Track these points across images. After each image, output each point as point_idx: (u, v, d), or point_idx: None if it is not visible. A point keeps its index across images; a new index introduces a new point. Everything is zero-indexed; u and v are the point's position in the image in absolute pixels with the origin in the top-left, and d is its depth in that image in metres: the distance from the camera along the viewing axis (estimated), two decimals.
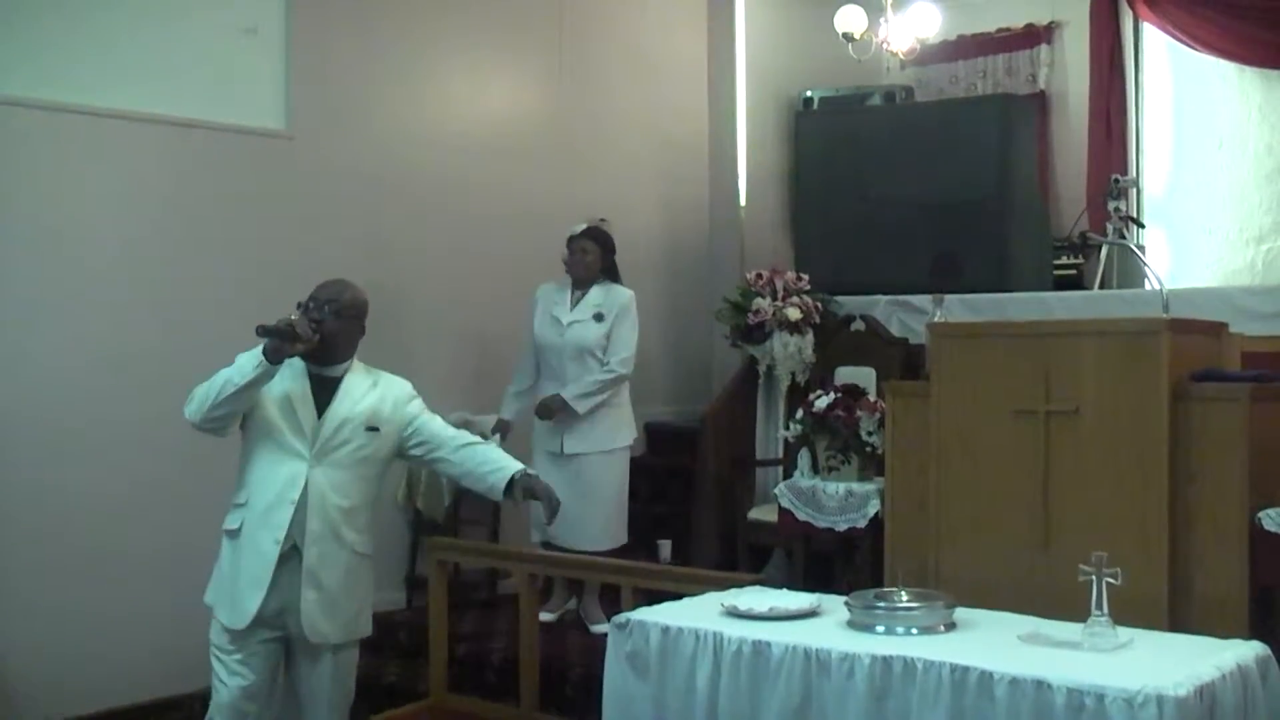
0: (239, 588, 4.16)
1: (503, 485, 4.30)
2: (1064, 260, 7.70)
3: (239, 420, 4.20)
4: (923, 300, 6.53)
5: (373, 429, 4.25)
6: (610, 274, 6.34)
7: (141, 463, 5.71)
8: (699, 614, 4.00)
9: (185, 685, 5.48)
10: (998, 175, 7.13)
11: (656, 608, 4.16)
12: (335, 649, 4.26)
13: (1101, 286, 7.28)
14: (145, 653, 5.61)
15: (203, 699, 4.34)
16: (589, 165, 7.67)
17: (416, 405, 4.37)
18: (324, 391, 4.25)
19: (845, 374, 6.50)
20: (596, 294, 6.27)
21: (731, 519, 6.70)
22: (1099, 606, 3.57)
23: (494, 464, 4.33)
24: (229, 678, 4.17)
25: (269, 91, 6.30)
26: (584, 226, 6.32)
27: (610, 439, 6.26)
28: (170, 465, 5.71)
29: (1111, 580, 3.57)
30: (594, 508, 6.16)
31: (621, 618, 4.05)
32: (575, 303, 6.26)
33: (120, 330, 5.72)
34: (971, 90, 8.72)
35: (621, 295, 6.30)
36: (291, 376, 4.23)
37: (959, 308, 6.18)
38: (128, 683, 5.58)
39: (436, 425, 4.37)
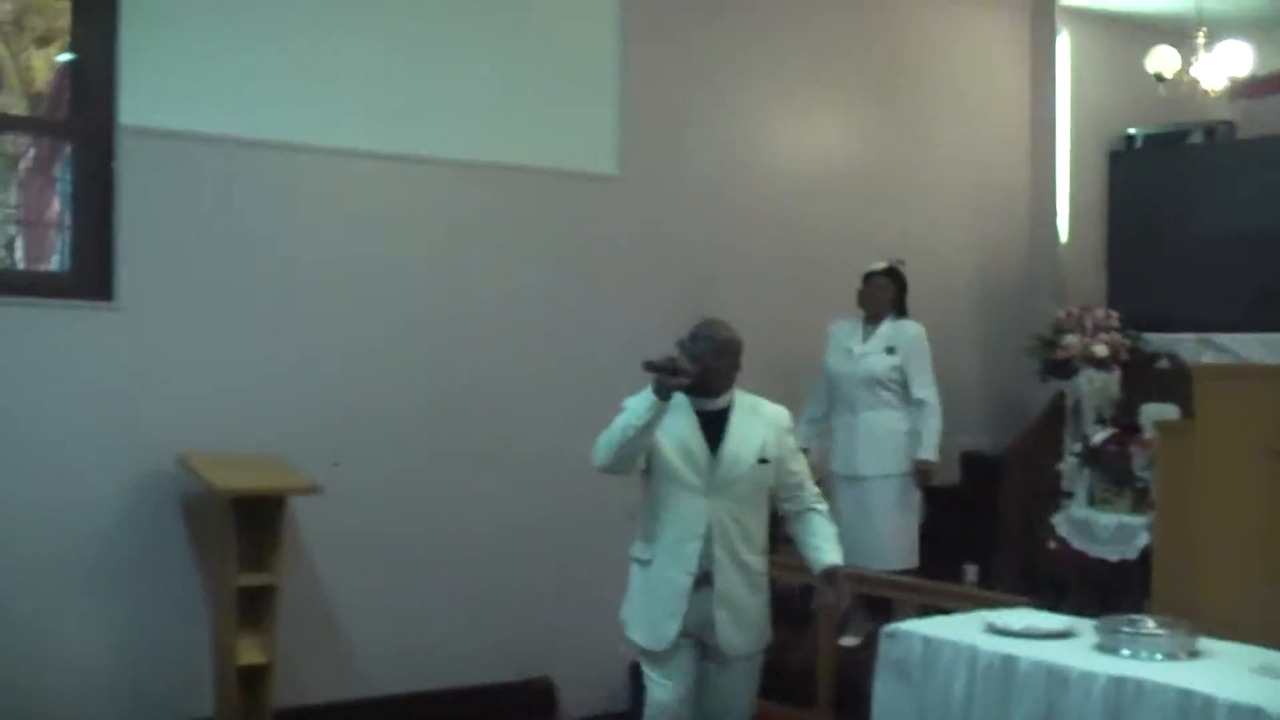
0: (655, 616, 4.47)
1: (815, 568, 4.53)
2: None
3: (643, 459, 4.43)
4: (1227, 339, 6.61)
5: (763, 461, 4.45)
6: (900, 310, 6.74)
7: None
8: (961, 629, 4.33)
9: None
10: None
11: (921, 621, 4.55)
12: (747, 658, 4.56)
13: None
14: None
15: None
16: (907, 201, 7.93)
17: (792, 440, 4.59)
18: (711, 426, 4.46)
19: (1151, 411, 6.62)
20: (887, 328, 6.69)
21: (1034, 548, 6.91)
22: None
23: (815, 545, 4.52)
24: (660, 686, 4.50)
25: (603, 138, 6.86)
26: (884, 265, 6.74)
27: (902, 462, 6.62)
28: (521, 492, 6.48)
29: None
30: (883, 526, 6.54)
31: (890, 628, 4.46)
32: (867, 336, 6.69)
33: (461, 363, 6.39)
34: None
35: (912, 329, 6.70)
36: (678, 414, 4.42)
37: (1258, 348, 6.22)
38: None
39: (798, 472, 4.56)
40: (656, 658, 4.49)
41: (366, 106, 6.17)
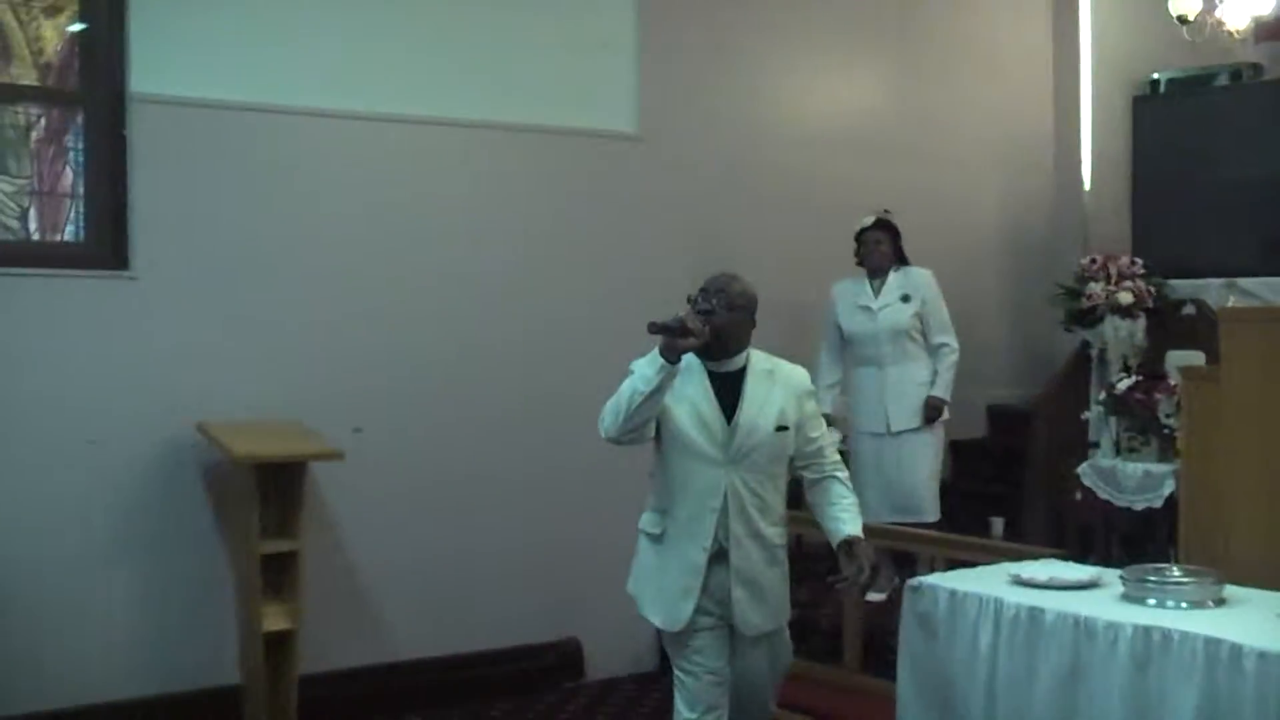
0: (670, 595, 4.15)
1: (834, 539, 4.22)
2: None
3: (653, 427, 4.08)
4: (1252, 283, 6.55)
5: (782, 428, 4.13)
6: (902, 259, 6.72)
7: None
8: (986, 581, 4.31)
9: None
10: None
11: (947, 574, 4.54)
12: (769, 635, 4.26)
13: None
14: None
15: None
16: (929, 157, 7.88)
17: (812, 405, 4.25)
18: (727, 391, 4.12)
19: (1176, 358, 6.56)
20: (896, 278, 6.67)
21: (1061, 499, 6.87)
22: None
23: (834, 515, 4.23)
24: (690, 670, 4.16)
25: (622, 97, 6.84)
26: (872, 219, 6.71)
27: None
28: (529, 448, 6.47)
29: None
30: (918, 480, 6.51)
31: (914, 581, 4.42)
32: (879, 290, 6.66)
33: (483, 325, 6.38)
34: None
35: (922, 275, 6.70)
36: (691, 379, 4.09)
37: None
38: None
39: (817, 439, 4.25)
40: (679, 640, 4.17)
41: (381, 70, 6.16)
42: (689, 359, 4.04)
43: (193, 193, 5.73)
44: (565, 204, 6.64)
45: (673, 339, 3.91)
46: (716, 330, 4.04)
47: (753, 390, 4.12)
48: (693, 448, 4.09)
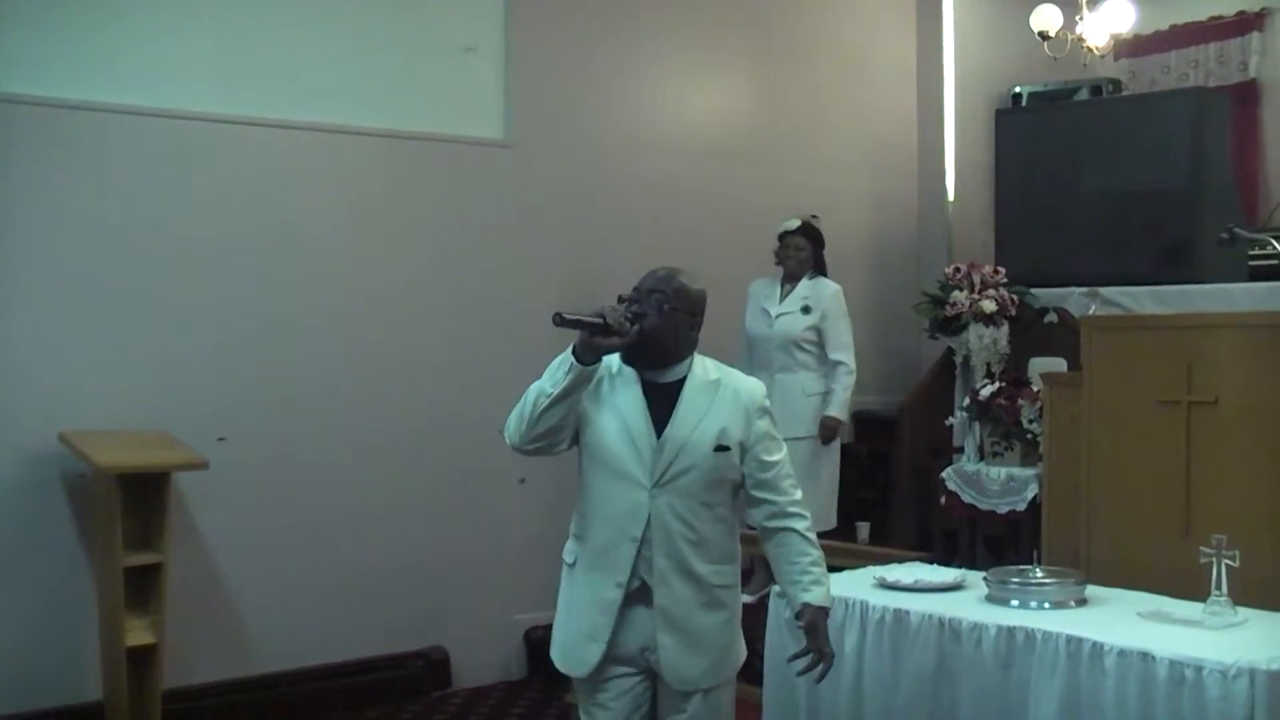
0: (573, 633, 3.61)
1: (794, 605, 3.63)
2: (1268, 250, 7.65)
3: (568, 437, 3.54)
4: (1113, 292, 6.70)
5: (722, 448, 3.53)
6: (819, 268, 6.75)
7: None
8: (852, 585, 4.37)
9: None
10: (1189, 168, 7.18)
11: None
12: (705, 692, 3.60)
13: None
14: None
15: None
16: (798, 165, 7.97)
17: (765, 424, 3.63)
18: (663, 404, 3.54)
19: (1039, 365, 6.70)
20: (805, 287, 6.68)
21: (928, 504, 6.98)
22: (1218, 587, 3.81)
23: (795, 577, 3.61)
24: None
25: (489, 104, 6.81)
26: (798, 223, 6.72)
27: (814, 425, 6.63)
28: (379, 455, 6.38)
29: (1230, 562, 3.80)
30: (817, 489, 6.53)
31: (779, 587, 4.44)
32: (785, 295, 6.69)
33: (350, 333, 6.30)
34: (1184, 80, 8.70)
35: (829, 288, 6.69)
36: (624, 388, 3.56)
37: (1148, 300, 6.32)
38: None
39: (773, 464, 3.61)
40: (586, 687, 3.61)
41: (242, 72, 6.08)
42: (625, 369, 3.57)
43: (53, 195, 5.58)
44: (433, 211, 6.58)
45: (589, 337, 3.38)
46: (648, 334, 3.48)
47: (690, 402, 3.55)
48: (614, 465, 3.52)
